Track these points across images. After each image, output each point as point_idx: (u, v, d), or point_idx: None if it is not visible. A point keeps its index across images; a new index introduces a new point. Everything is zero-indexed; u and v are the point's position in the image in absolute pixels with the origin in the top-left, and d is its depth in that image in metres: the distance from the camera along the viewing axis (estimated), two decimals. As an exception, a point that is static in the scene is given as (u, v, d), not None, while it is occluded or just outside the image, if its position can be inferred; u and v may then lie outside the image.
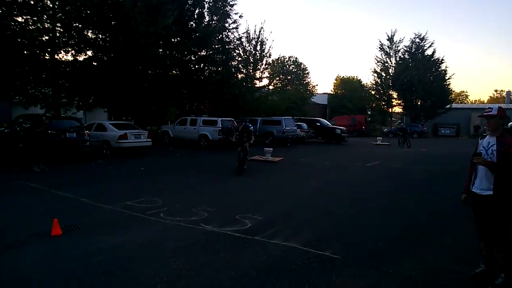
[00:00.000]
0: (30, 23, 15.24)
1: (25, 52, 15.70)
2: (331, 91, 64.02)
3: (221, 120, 20.92)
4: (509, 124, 15.81)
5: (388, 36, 46.13)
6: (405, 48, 45.97)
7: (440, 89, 44.12)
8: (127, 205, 7.56)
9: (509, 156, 3.79)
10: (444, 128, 44.18)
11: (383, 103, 48.36)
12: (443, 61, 44.99)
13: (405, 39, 71.75)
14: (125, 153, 16.67)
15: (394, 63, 46.37)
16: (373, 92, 49.99)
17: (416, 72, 43.34)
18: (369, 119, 49.82)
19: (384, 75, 46.93)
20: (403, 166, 14.97)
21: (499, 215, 3.88)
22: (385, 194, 9.32)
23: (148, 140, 17.18)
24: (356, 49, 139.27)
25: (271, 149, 16.85)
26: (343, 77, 63.44)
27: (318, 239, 5.55)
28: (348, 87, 59.02)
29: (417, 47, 45.32)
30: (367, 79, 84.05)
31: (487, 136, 4.11)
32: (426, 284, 4.18)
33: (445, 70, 45.34)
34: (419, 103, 45.62)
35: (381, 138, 25.58)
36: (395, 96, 47.45)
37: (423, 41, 45.22)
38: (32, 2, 16.00)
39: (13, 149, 14.55)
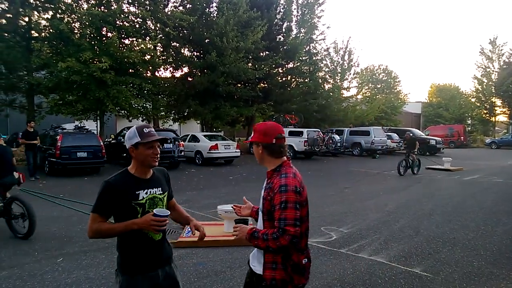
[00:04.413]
0: (135, 45, 16.94)
1: (131, 70, 17.45)
2: (426, 99, 60.46)
3: (307, 131, 20.97)
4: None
5: (490, 40, 42.46)
6: (510, 52, 41.83)
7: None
8: (217, 212, 7.99)
9: (274, 212, 2.08)
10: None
11: (485, 111, 44.43)
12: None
13: (509, 42, 65.26)
14: (215, 162, 17.60)
15: (498, 68, 42.48)
16: (473, 100, 46.23)
17: (523, 77, 39.24)
18: (469, 129, 46.04)
19: (485, 81, 43.19)
20: (506, 180, 13.63)
21: None
22: (483, 210, 8.60)
23: (236, 150, 17.92)
24: (453, 55, 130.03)
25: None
26: (438, 84, 59.60)
27: (406, 255, 5.36)
28: (444, 95, 55.24)
29: (525, 50, 40.98)
30: (466, 86, 77.96)
31: None
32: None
33: (560, 73, 40.28)
34: (527, 111, 41.16)
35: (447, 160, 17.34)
36: (499, 104, 43.35)
37: (532, 42, 40.79)
38: (137, 26, 17.81)
39: (118, 157, 16.21)
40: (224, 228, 6.40)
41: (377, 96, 44.38)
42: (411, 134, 16.07)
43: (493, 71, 43.00)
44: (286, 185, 2.06)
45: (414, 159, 15.09)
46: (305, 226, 2.16)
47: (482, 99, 44.02)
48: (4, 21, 15.89)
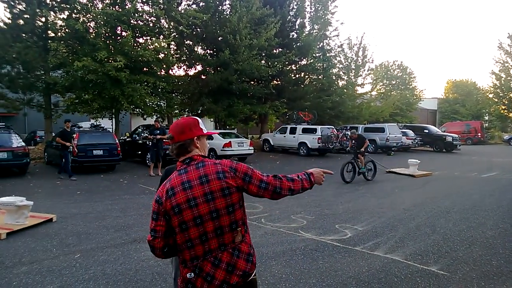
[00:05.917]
0: (150, 43, 17.08)
1: (145, 69, 17.60)
2: (442, 95, 59.61)
3: (320, 128, 20.84)
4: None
5: (509, 34, 41.53)
6: (530, 46, 40.77)
7: None
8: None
9: None
10: None
11: (503, 107, 43.49)
12: None
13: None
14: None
15: (516, 63, 41.50)
16: (490, 96, 45.31)
17: (544, 72, 38.31)
18: (486, 125, 45.21)
19: (504, 76, 42.29)
20: (527, 179, 13.35)
21: None
22: (501, 208, 8.45)
23: (250, 148, 17.94)
24: (470, 50, 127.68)
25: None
26: (455, 80, 58.68)
27: (423, 254, 5.30)
28: (461, 90, 54.38)
29: (546, 44, 39.90)
30: (484, 82, 76.59)
31: None
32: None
33: None
34: (547, 107, 40.21)
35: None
36: (518, 100, 42.39)
37: (553, 36, 39.68)
38: (151, 25, 17.94)
39: (133, 155, 16.38)
40: (4, 220, 6.25)
41: (392, 93, 43.96)
42: (357, 132, 13.56)
43: (511, 66, 42.09)
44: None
45: (363, 162, 12.46)
46: (184, 237, 1.94)
47: (500, 94, 43.08)
48: (22, 21, 16.18)
